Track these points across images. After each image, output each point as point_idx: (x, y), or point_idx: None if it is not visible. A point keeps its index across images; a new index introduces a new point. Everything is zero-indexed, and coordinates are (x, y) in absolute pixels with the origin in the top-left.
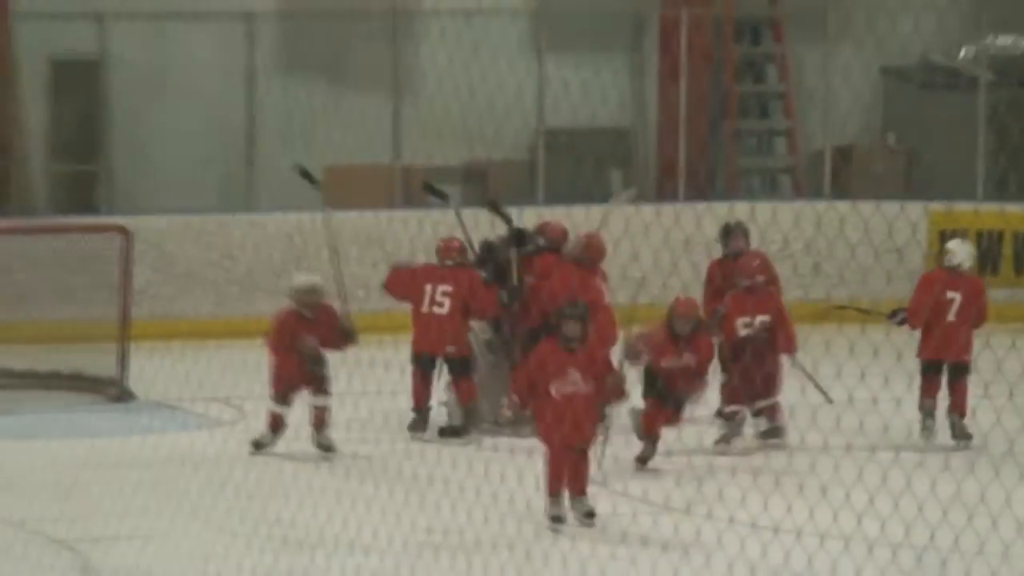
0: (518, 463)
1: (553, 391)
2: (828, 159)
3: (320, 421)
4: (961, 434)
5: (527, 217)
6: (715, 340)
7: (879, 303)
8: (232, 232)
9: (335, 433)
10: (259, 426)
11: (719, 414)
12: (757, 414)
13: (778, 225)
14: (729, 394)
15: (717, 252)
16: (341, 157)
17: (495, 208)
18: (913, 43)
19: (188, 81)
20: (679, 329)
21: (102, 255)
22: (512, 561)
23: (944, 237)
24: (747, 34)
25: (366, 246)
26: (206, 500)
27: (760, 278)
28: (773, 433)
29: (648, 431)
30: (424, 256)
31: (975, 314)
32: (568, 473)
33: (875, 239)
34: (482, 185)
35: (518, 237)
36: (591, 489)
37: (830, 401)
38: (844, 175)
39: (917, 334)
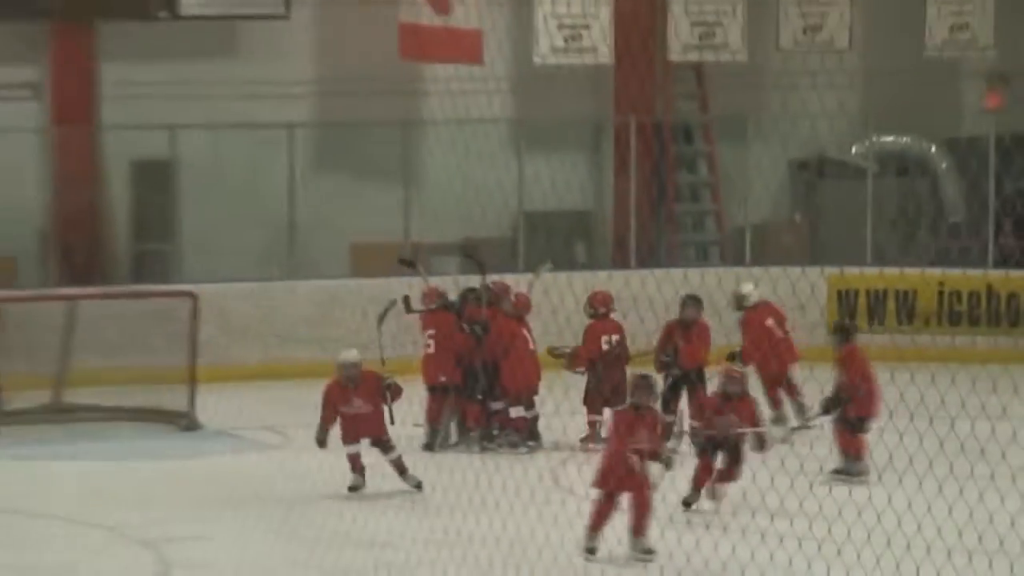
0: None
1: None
2: (747, 234)
3: (400, 469)
4: None
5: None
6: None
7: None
8: (275, 295)
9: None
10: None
11: None
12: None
13: (706, 286)
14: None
15: (665, 311)
16: (362, 236)
17: (470, 255)
18: (813, 142)
19: (240, 177)
20: (730, 390)
21: (174, 315)
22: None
23: (840, 296)
24: (682, 136)
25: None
26: (258, 507)
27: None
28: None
29: (699, 485)
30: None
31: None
32: (631, 515)
33: (784, 296)
34: (474, 257)
35: (482, 289)
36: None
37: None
38: (760, 246)
39: None
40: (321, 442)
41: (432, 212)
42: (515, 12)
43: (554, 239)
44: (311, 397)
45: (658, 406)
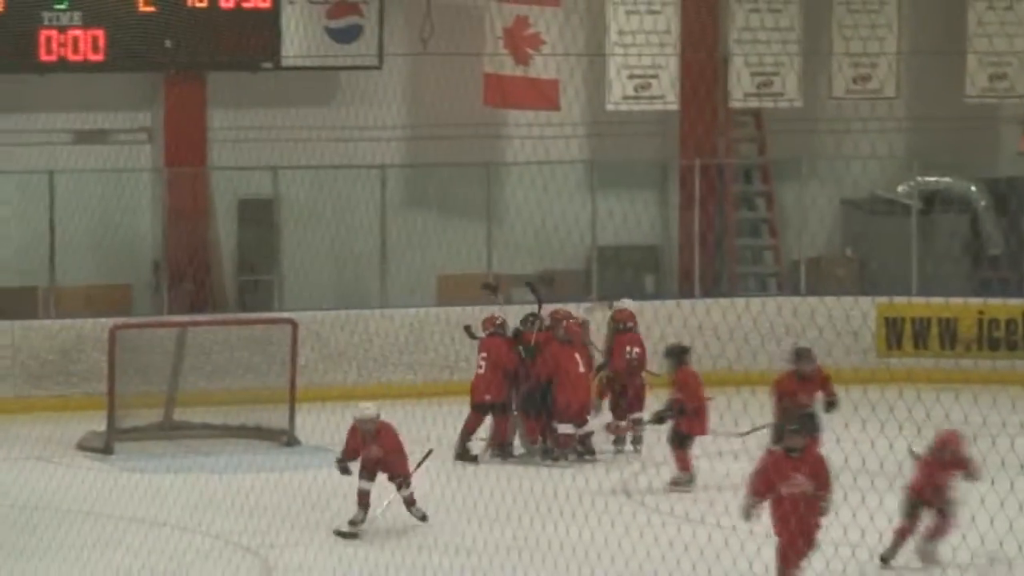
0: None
1: (783, 491)
2: (802, 266)
3: (410, 503)
4: None
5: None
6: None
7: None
8: (369, 322)
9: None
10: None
11: None
12: None
13: (766, 314)
14: None
15: (730, 337)
16: (448, 268)
17: (532, 288)
18: (863, 182)
19: (337, 214)
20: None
21: (275, 340)
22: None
23: (888, 323)
24: (742, 176)
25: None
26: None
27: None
28: None
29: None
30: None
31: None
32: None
33: (837, 324)
34: (550, 288)
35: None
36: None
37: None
38: (814, 278)
39: None
40: (342, 470)
41: (512, 246)
42: (590, 62)
43: (625, 271)
44: (402, 417)
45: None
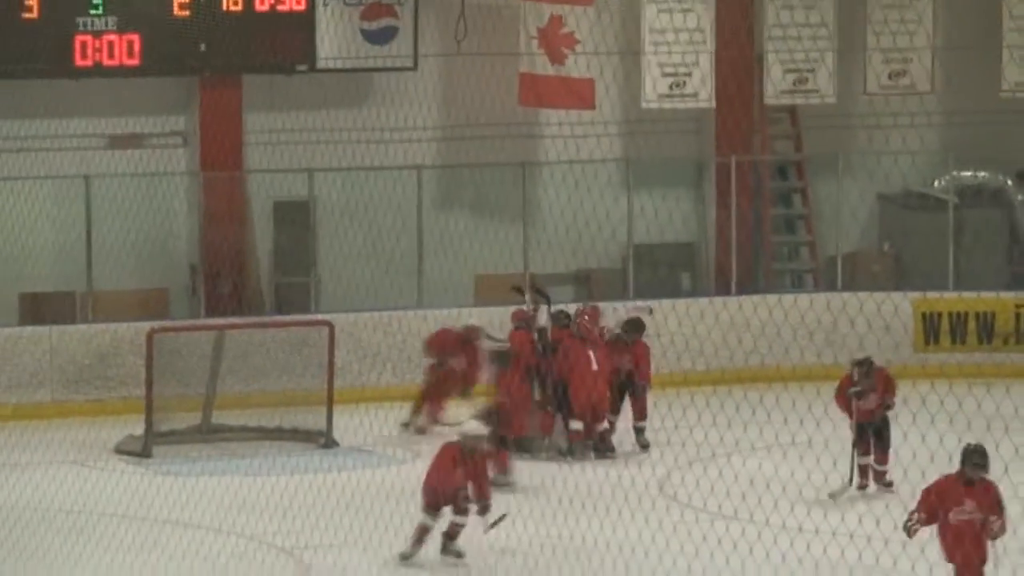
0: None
1: (951, 518)
2: (839, 262)
3: (453, 534)
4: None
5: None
6: None
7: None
8: (405, 323)
9: None
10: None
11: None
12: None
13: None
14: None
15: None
16: (485, 267)
17: (537, 290)
18: (898, 177)
19: (373, 215)
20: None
21: (312, 342)
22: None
23: (924, 318)
24: (777, 173)
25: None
26: (390, 517)
27: None
28: None
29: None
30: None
31: None
32: None
33: (872, 320)
34: (587, 286)
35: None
36: None
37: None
38: (850, 273)
39: None
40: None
41: (548, 245)
42: (624, 61)
43: (660, 269)
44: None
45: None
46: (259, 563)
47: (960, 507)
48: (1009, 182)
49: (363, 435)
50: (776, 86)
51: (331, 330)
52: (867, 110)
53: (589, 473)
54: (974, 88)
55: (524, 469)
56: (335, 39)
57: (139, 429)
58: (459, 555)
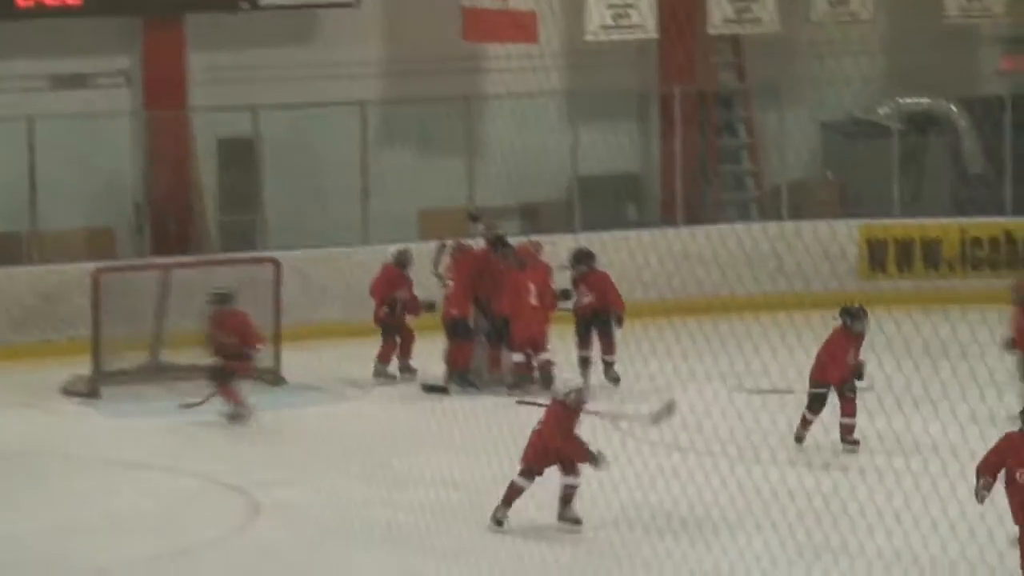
0: None
1: (1019, 477)
2: (784, 191)
3: (568, 498)
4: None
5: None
6: None
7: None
8: (352, 260)
9: None
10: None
11: None
12: None
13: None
14: None
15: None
16: (430, 203)
17: (475, 216)
18: (843, 105)
19: (317, 151)
20: None
21: (259, 280)
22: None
23: (870, 246)
24: (722, 103)
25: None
26: (340, 453)
27: None
28: None
29: None
30: None
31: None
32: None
33: (820, 247)
34: (533, 219)
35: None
36: None
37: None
38: (795, 202)
39: None
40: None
41: (493, 179)
42: None
43: (606, 201)
44: None
45: None
46: (211, 502)
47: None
48: (953, 108)
49: (311, 372)
50: (720, 15)
51: (277, 267)
52: (811, 38)
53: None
54: (917, 15)
55: (472, 403)
56: None
57: (87, 369)
58: (576, 521)
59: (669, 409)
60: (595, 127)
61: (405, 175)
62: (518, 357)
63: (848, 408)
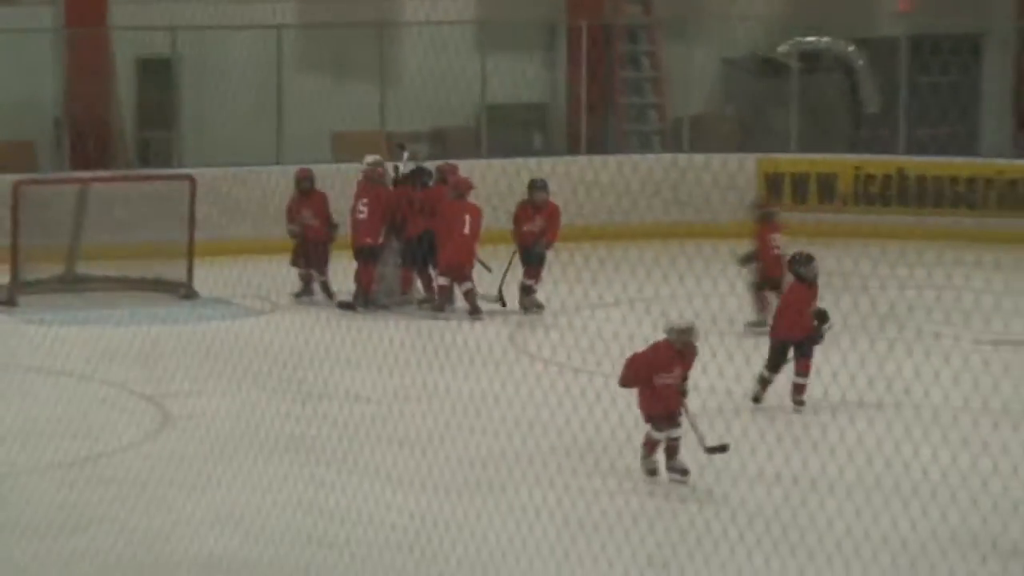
0: None
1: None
2: (685, 124)
3: (673, 451)
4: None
5: (472, 166)
6: None
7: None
8: (266, 178)
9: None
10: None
11: None
12: None
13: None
14: None
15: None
16: (344, 126)
17: (399, 144)
18: (745, 42)
19: (234, 72)
20: None
21: (175, 196)
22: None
23: (768, 179)
24: (628, 36)
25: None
26: (249, 365)
27: None
28: None
29: None
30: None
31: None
32: None
33: (719, 180)
34: (442, 144)
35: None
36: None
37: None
38: (696, 135)
39: None
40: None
41: (404, 104)
42: None
43: (514, 128)
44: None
45: None
46: (124, 410)
47: None
48: (851, 47)
49: (222, 286)
50: None
51: (192, 184)
52: None
53: (443, 327)
54: None
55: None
56: None
57: (4, 278)
58: (684, 472)
59: (723, 449)
60: (505, 57)
61: (320, 98)
62: (443, 281)
63: (803, 366)
